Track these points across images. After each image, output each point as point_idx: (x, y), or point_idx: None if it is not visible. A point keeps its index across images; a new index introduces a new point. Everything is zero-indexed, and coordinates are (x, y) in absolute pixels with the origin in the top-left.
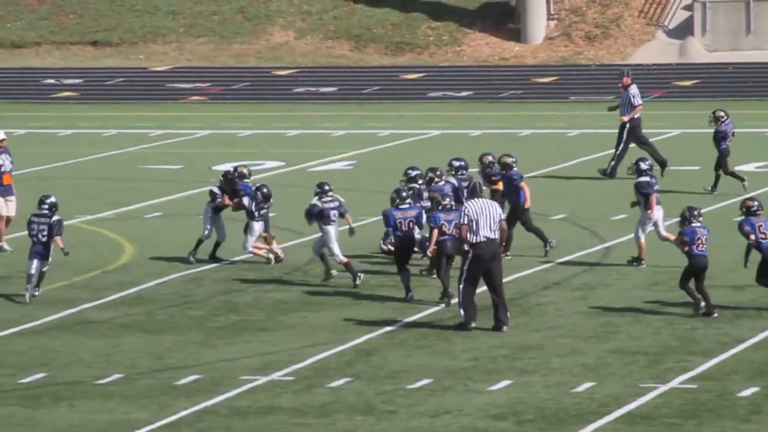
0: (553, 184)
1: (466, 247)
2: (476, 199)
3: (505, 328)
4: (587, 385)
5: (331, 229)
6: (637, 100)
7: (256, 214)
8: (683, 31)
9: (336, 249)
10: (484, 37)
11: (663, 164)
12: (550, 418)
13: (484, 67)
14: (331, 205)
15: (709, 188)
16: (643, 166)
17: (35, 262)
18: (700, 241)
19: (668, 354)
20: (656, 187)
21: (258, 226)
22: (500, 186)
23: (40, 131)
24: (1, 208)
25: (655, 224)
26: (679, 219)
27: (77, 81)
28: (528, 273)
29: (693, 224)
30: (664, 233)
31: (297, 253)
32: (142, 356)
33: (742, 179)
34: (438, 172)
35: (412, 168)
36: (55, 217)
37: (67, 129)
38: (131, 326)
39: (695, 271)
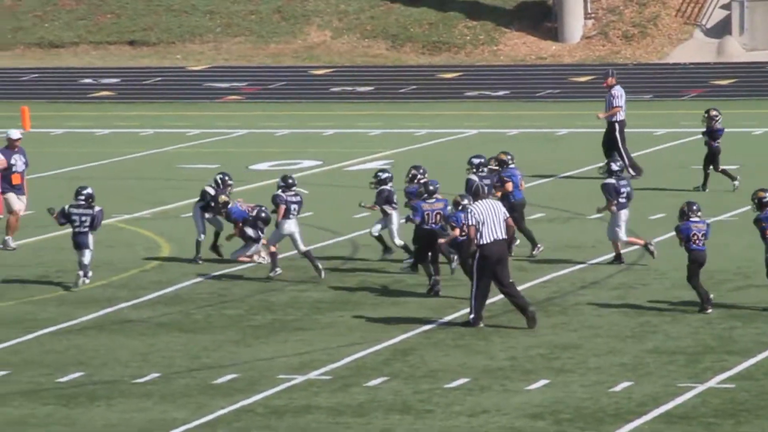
0: (590, 184)
1: (473, 248)
2: (481, 201)
3: (531, 308)
4: (625, 384)
5: (285, 222)
6: (617, 102)
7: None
8: (721, 30)
9: (280, 238)
10: (521, 36)
11: (637, 169)
12: (587, 417)
13: (521, 67)
14: (294, 199)
15: (700, 187)
16: (615, 167)
17: (83, 251)
18: (696, 237)
19: (706, 353)
20: (624, 191)
21: (258, 246)
22: (510, 187)
23: (78, 131)
24: (13, 202)
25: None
26: (678, 214)
27: (115, 80)
28: (565, 272)
29: (691, 219)
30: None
31: (334, 252)
32: (179, 355)
33: (733, 178)
34: (421, 170)
35: (383, 170)
36: (98, 208)
37: (104, 128)
38: (168, 325)
39: (697, 265)
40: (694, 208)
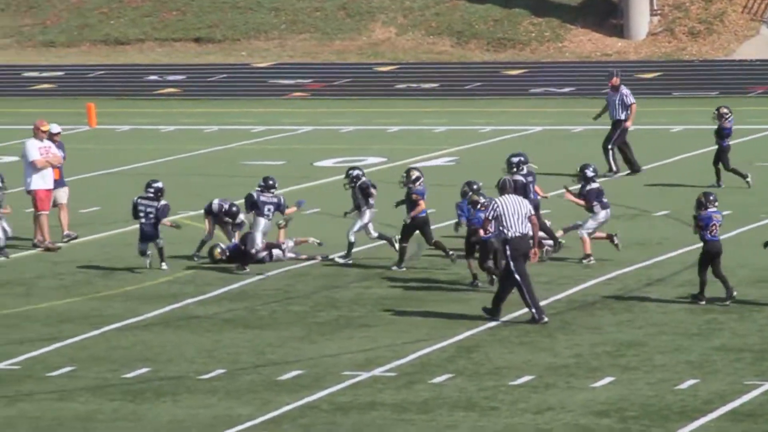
0: (656, 181)
1: (482, 234)
2: (506, 195)
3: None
4: (691, 382)
5: (262, 221)
6: (631, 99)
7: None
8: None
9: (259, 238)
10: (587, 33)
11: (634, 167)
12: (653, 415)
13: (587, 63)
14: (269, 200)
15: (716, 183)
16: (589, 173)
17: (149, 244)
18: (714, 227)
19: None
20: (603, 194)
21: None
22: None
23: (143, 127)
24: (60, 197)
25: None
26: (695, 204)
27: (180, 77)
28: (631, 269)
29: (709, 209)
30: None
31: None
32: (245, 351)
33: (744, 176)
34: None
35: (353, 168)
36: (162, 202)
37: (169, 125)
38: (234, 321)
39: (710, 256)
40: (711, 198)
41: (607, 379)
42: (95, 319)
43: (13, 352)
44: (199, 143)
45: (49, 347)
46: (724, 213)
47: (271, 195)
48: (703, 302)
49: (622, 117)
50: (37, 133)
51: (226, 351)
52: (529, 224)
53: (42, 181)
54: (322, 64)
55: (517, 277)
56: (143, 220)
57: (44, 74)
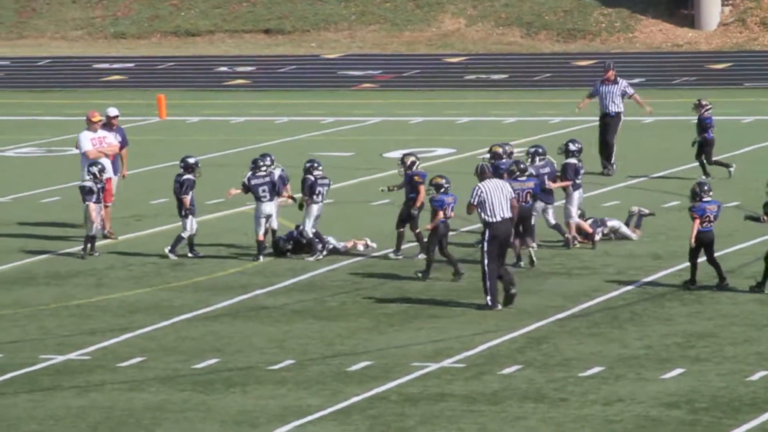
0: (725, 171)
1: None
2: (488, 180)
3: (513, 289)
4: (762, 373)
5: (260, 205)
6: (631, 90)
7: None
8: None
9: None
10: (657, 23)
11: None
12: (724, 406)
13: (657, 54)
14: (261, 181)
15: (706, 177)
16: (572, 147)
17: (262, 221)
18: (707, 219)
19: None
20: (581, 172)
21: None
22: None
23: (213, 119)
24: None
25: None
26: (689, 195)
27: (250, 69)
28: (701, 261)
29: (704, 200)
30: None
31: (469, 239)
32: (314, 342)
33: (728, 165)
34: (413, 158)
35: (309, 161)
36: (276, 173)
37: (239, 116)
38: (303, 312)
39: (700, 245)
40: (706, 188)
41: (678, 371)
42: (165, 310)
43: (84, 342)
44: (269, 134)
45: (120, 338)
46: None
47: (264, 174)
48: (693, 287)
49: (621, 109)
50: (89, 125)
51: (295, 341)
52: (509, 208)
53: None
54: (392, 55)
55: (485, 260)
56: (262, 198)
57: (115, 66)
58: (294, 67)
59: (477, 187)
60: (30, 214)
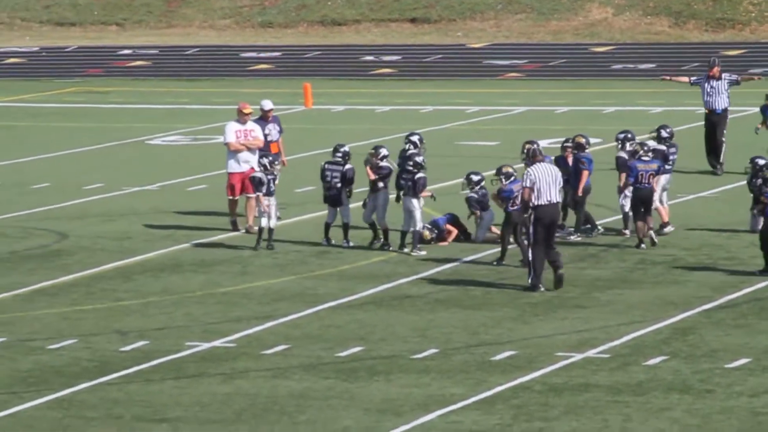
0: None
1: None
2: (539, 164)
3: (561, 271)
4: None
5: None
6: (735, 75)
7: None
8: None
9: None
10: None
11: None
12: None
13: None
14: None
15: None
16: (664, 133)
17: (331, 210)
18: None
19: None
20: (670, 158)
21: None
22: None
23: (359, 107)
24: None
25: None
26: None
27: (396, 58)
28: None
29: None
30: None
31: (613, 228)
32: (458, 331)
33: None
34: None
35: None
36: (348, 165)
37: (385, 105)
38: (446, 302)
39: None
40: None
41: None
42: (309, 298)
43: (229, 329)
44: (415, 123)
45: (264, 325)
46: None
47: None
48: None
49: (728, 105)
50: (239, 116)
51: (439, 330)
52: (558, 193)
53: (237, 164)
54: (538, 45)
55: (532, 239)
56: (329, 185)
57: (262, 55)
58: (440, 56)
59: (527, 171)
60: (177, 202)
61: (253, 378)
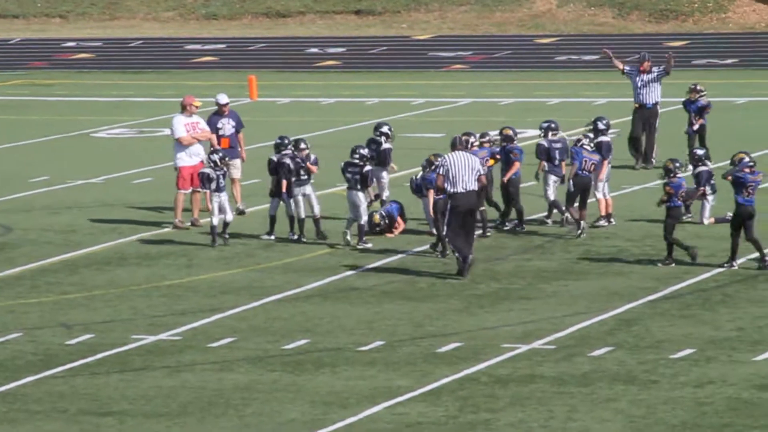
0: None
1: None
2: (456, 152)
3: (471, 256)
4: None
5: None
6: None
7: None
8: None
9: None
10: (751, 3)
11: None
12: None
13: (751, 34)
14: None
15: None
16: (600, 125)
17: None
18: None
19: None
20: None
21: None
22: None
23: (304, 100)
24: (232, 172)
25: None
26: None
27: (340, 50)
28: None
29: (679, 176)
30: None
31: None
32: (404, 324)
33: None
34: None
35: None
36: (367, 167)
37: (330, 98)
38: (392, 294)
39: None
40: (678, 165)
41: None
42: (256, 291)
43: (175, 322)
44: (360, 115)
45: (210, 318)
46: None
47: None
48: (673, 265)
49: (659, 100)
50: (184, 109)
51: (385, 323)
52: (475, 181)
53: (188, 158)
54: (482, 36)
55: (447, 227)
56: (349, 186)
57: (206, 47)
58: (384, 48)
59: (443, 158)
60: (122, 195)
61: (199, 371)
